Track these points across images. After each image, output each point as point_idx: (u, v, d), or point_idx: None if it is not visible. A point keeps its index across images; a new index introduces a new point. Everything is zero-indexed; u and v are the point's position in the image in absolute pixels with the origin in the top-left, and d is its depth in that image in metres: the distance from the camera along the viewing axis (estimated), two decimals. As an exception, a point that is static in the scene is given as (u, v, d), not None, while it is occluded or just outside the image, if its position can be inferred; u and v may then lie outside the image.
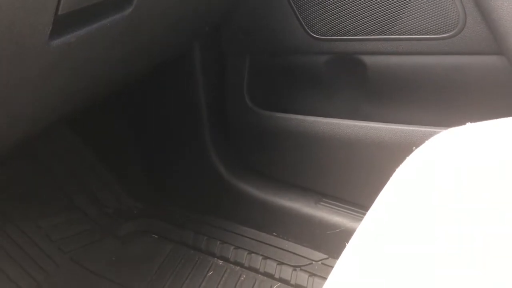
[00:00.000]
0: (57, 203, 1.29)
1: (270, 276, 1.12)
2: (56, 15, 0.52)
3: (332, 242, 1.12)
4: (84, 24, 0.58)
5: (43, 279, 1.14)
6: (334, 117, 1.04)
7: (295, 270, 1.12)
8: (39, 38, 0.51)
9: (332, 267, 1.14)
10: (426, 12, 0.86)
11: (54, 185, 1.30)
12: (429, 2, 0.85)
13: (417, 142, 0.60)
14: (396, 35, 0.90)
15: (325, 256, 1.14)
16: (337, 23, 0.94)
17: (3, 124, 0.56)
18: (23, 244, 1.16)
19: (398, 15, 0.88)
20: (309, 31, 0.98)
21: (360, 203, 1.11)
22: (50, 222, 1.24)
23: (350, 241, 0.48)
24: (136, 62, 0.79)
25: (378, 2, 0.89)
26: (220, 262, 1.18)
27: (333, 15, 0.94)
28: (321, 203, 1.14)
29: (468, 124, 0.60)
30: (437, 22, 0.86)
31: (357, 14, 0.91)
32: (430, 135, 0.60)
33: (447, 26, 0.86)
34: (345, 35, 0.95)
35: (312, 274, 1.10)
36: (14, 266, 1.12)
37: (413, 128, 0.94)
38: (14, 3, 0.47)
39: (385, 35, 0.91)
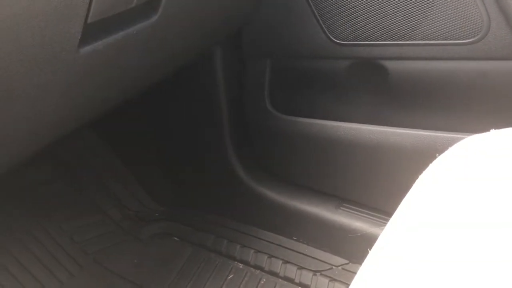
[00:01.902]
0: (81, 205, 1.31)
1: (290, 280, 1.12)
2: (86, 23, 0.54)
3: (353, 247, 1.12)
4: (112, 32, 0.60)
5: (67, 280, 1.16)
6: (355, 122, 1.03)
7: (315, 274, 1.12)
8: (69, 45, 0.53)
9: (352, 272, 1.14)
10: (449, 17, 0.86)
11: (78, 188, 1.33)
12: (453, 7, 0.85)
13: (440, 148, 0.60)
14: (419, 40, 0.90)
15: (346, 261, 1.13)
16: (358, 28, 0.94)
17: (32, 128, 0.58)
18: (48, 245, 1.19)
19: (421, 20, 0.88)
20: (330, 36, 0.98)
21: (380, 208, 1.11)
22: (74, 224, 1.26)
23: (373, 248, 0.48)
24: (160, 68, 0.81)
25: (401, 7, 0.88)
26: (240, 265, 1.19)
27: (354, 20, 0.94)
28: (342, 208, 1.14)
29: (492, 131, 0.59)
30: (461, 27, 0.85)
31: (379, 19, 0.91)
32: (453, 141, 0.60)
33: (470, 31, 0.85)
34: (366, 40, 0.95)
35: (332, 279, 1.10)
36: (39, 266, 1.15)
37: (436, 134, 0.94)
38: (47, 12, 0.48)
39: (408, 40, 0.91)
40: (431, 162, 0.58)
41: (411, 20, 0.89)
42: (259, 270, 1.17)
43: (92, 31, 0.56)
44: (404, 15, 0.89)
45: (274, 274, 1.15)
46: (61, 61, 0.53)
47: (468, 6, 0.83)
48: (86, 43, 0.56)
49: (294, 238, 1.21)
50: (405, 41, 0.91)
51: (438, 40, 0.88)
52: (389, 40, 0.92)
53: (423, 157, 0.58)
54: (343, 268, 1.12)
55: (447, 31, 0.87)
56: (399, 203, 0.53)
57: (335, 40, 0.98)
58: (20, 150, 0.61)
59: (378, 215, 1.10)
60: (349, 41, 0.96)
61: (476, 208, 0.47)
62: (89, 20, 0.54)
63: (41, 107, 0.55)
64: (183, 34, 0.79)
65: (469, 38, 0.86)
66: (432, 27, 0.88)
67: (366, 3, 0.91)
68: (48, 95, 0.55)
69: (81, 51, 0.55)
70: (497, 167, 0.53)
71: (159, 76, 0.84)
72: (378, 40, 0.94)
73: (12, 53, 0.47)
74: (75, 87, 0.58)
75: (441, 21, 0.87)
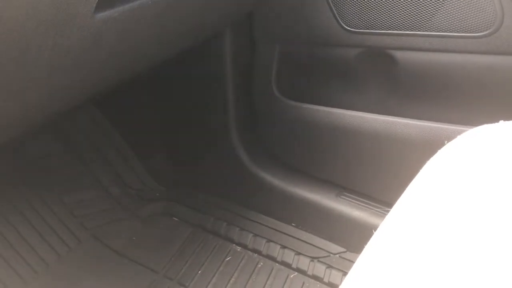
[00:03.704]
0: (82, 180, 1.31)
1: (287, 265, 1.13)
2: (103, -11, 0.53)
3: (351, 236, 1.12)
4: (128, 0, 0.60)
5: (65, 253, 1.16)
6: (361, 111, 1.03)
7: (312, 261, 1.12)
8: (85, 9, 0.53)
9: (349, 260, 1.14)
10: (462, 10, 0.85)
11: (81, 163, 1.33)
12: (466, 0, 0.85)
13: (445, 140, 0.60)
14: (430, 31, 0.90)
15: (343, 250, 1.14)
16: (371, 16, 0.94)
17: (45, 91, 0.58)
18: (47, 217, 1.19)
19: (434, 11, 0.88)
20: (341, 23, 0.97)
21: (381, 199, 1.11)
22: (74, 198, 1.26)
23: (373, 237, 0.48)
24: (172, 43, 0.81)
25: (415, -3, 0.88)
26: (239, 248, 1.19)
27: (367, 8, 0.93)
28: (342, 196, 1.14)
29: (501, 122, 0.59)
30: (474, 20, 0.85)
31: (392, 8, 0.91)
32: (458, 133, 0.60)
33: (483, 25, 0.85)
34: (378, 29, 0.94)
35: (329, 266, 1.10)
36: (38, 238, 1.15)
37: (442, 126, 0.94)
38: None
39: (419, 31, 0.91)
40: (437, 151, 0.58)
41: (425, 11, 0.88)
42: (256, 254, 1.17)
43: (109, -3, 0.56)
44: (418, 6, 0.88)
45: (272, 259, 1.15)
46: (77, 25, 0.53)
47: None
48: (102, 9, 0.56)
49: (293, 224, 1.21)
50: (416, 31, 0.91)
51: (449, 32, 0.88)
52: (401, 30, 0.92)
53: (428, 149, 0.58)
54: (340, 256, 1.13)
55: (459, 23, 0.86)
56: (400, 195, 0.53)
57: (347, 27, 0.97)
58: (32, 115, 0.61)
59: (379, 205, 1.10)
60: (361, 29, 0.96)
61: (481, 198, 0.47)
62: (106, -14, 0.53)
63: (55, 70, 0.55)
64: (196, 11, 0.78)
65: (481, 32, 0.85)
66: (445, 19, 0.87)
67: (381, -9, 0.91)
68: (63, 58, 0.54)
69: (96, 16, 0.55)
70: (505, 157, 0.53)
71: (171, 52, 0.84)
72: (390, 29, 0.93)
73: (29, 12, 0.47)
74: (88, 53, 0.58)
75: (454, 13, 0.86)
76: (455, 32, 0.88)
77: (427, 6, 0.88)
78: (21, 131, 0.65)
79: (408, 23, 0.91)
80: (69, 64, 0.56)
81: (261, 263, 1.15)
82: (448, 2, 0.86)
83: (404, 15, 0.90)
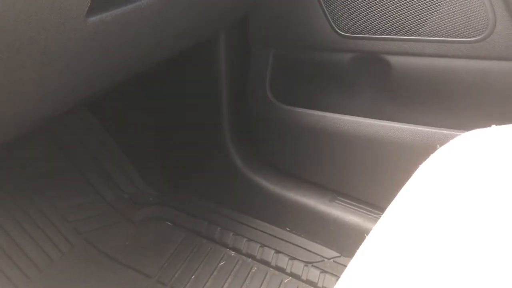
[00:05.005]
0: (75, 184, 1.31)
1: (282, 270, 1.13)
2: (95, -8, 0.53)
3: (345, 240, 1.12)
4: (120, 4, 0.60)
5: (58, 258, 1.15)
6: (355, 115, 1.04)
7: (306, 266, 1.12)
8: (77, 13, 0.53)
9: (343, 265, 1.14)
10: (455, 15, 0.86)
11: (74, 167, 1.32)
12: (459, 5, 0.85)
13: (438, 144, 0.60)
14: (423, 36, 0.90)
15: (337, 254, 1.14)
16: (364, 21, 0.94)
17: (36, 96, 0.58)
18: (40, 222, 1.18)
19: (427, 16, 0.88)
20: (335, 28, 0.98)
21: (375, 203, 1.11)
22: (68, 203, 1.26)
23: (364, 241, 0.48)
24: (165, 47, 0.80)
25: (408, 2, 0.89)
26: (232, 253, 1.19)
27: (361, 12, 0.94)
28: (336, 201, 1.14)
29: (493, 126, 0.59)
30: (466, 25, 0.86)
31: (385, 13, 0.91)
32: (452, 137, 0.60)
33: (475, 30, 0.85)
34: (371, 34, 0.95)
35: (323, 271, 1.10)
36: (31, 243, 1.14)
37: (435, 130, 0.94)
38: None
39: (412, 35, 0.91)
40: (430, 156, 0.58)
41: (418, 15, 0.89)
42: (250, 259, 1.17)
43: (101, 1, 0.55)
44: (412, 10, 0.89)
45: (266, 263, 1.15)
46: (69, 29, 0.53)
47: (474, 5, 0.84)
48: (94, 13, 0.56)
49: (287, 228, 1.21)
50: (410, 36, 0.91)
51: (442, 37, 0.88)
52: (394, 35, 0.93)
53: (421, 153, 0.58)
54: (334, 261, 1.13)
55: (452, 28, 0.87)
56: (394, 199, 0.53)
57: (340, 32, 0.97)
58: (22, 120, 0.60)
59: (373, 210, 1.10)
60: (354, 33, 0.96)
61: (473, 202, 0.47)
62: (99, -11, 0.53)
63: (46, 73, 0.55)
64: (190, 14, 0.78)
65: (474, 37, 0.86)
66: (438, 23, 0.88)
67: (374, -4, 0.91)
68: (54, 62, 0.54)
69: (89, 20, 0.55)
70: (497, 161, 0.53)
71: (164, 56, 0.84)
72: (383, 34, 0.94)
73: (20, 14, 0.47)
74: (80, 57, 0.58)
75: (447, 18, 0.87)
76: (448, 37, 0.88)
77: (421, 11, 0.88)
78: (11, 136, 0.64)
79: (401, 28, 0.91)
80: (60, 68, 0.56)
81: (255, 268, 1.14)
82: (441, 7, 0.86)
83: (398, 20, 0.91)
